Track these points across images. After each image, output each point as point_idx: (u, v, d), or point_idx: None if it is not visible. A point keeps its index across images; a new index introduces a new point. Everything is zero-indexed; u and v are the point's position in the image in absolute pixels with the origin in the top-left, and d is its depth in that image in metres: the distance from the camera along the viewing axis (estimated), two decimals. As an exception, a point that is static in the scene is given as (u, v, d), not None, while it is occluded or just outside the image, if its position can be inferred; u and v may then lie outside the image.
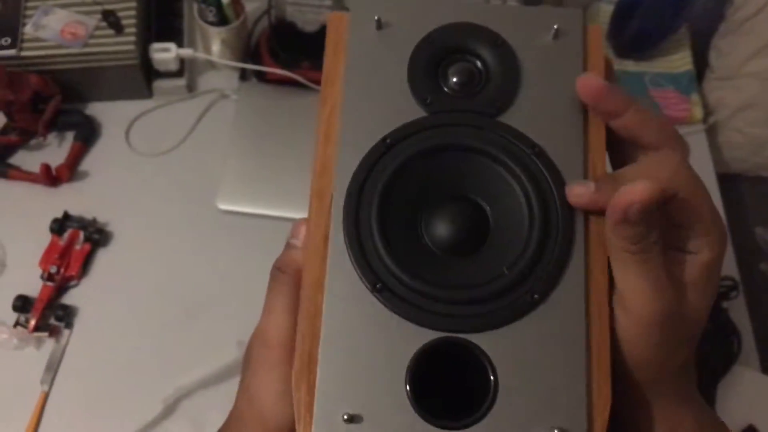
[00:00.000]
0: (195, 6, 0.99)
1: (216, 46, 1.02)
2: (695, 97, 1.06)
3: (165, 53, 0.99)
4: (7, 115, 0.94)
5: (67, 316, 0.88)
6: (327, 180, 0.39)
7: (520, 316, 0.37)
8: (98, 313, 0.89)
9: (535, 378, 0.36)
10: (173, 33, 1.03)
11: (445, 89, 0.40)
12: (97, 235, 0.92)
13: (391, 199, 0.39)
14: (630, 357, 0.37)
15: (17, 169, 0.95)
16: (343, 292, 0.37)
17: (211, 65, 1.06)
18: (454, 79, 0.40)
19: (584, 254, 0.38)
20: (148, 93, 1.02)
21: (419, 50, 0.41)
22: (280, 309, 0.40)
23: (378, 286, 0.37)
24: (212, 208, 0.95)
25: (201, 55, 1.02)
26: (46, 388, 0.84)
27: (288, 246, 0.42)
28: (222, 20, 0.98)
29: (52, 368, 0.85)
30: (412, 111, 0.40)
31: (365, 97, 0.40)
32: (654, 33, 1.05)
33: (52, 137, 0.99)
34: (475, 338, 0.36)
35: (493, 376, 0.36)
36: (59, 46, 0.94)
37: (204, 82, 1.05)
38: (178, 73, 1.02)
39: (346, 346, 0.37)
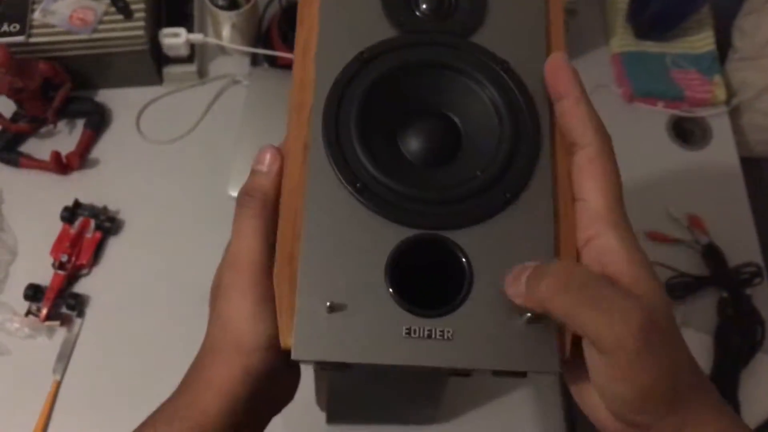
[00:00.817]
0: (205, -10, 0.98)
1: (226, 31, 1.00)
2: (718, 78, 1.03)
3: (175, 38, 0.97)
4: (17, 102, 0.94)
5: (79, 304, 0.87)
6: (306, 94, 0.41)
7: (494, 214, 0.39)
8: (110, 302, 0.89)
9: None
10: (183, 18, 1.01)
11: (417, 14, 0.43)
12: (108, 224, 0.91)
13: (369, 111, 0.40)
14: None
15: (28, 156, 0.94)
16: (322, 193, 0.39)
17: (222, 50, 1.04)
18: (425, 6, 0.43)
19: (550, 158, 0.40)
20: (158, 79, 1.01)
21: None
22: (249, 232, 0.42)
23: (358, 185, 0.39)
24: (224, 195, 0.93)
25: (211, 40, 1.01)
26: (58, 377, 0.84)
27: (254, 172, 0.43)
28: (232, 4, 0.97)
29: (64, 357, 0.85)
30: (386, 31, 0.42)
31: (341, 18, 0.42)
32: (675, 13, 1.02)
33: (62, 125, 0.98)
34: (451, 234, 0.39)
35: (468, 269, 0.38)
36: (68, 32, 0.92)
37: (215, 68, 1.04)
38: (188, 59, 1.01)
39: (327, 243, 0.38)
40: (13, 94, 0.91)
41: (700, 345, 0.88)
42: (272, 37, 1.02)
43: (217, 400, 0.41)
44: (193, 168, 0.97)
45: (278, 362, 0.41)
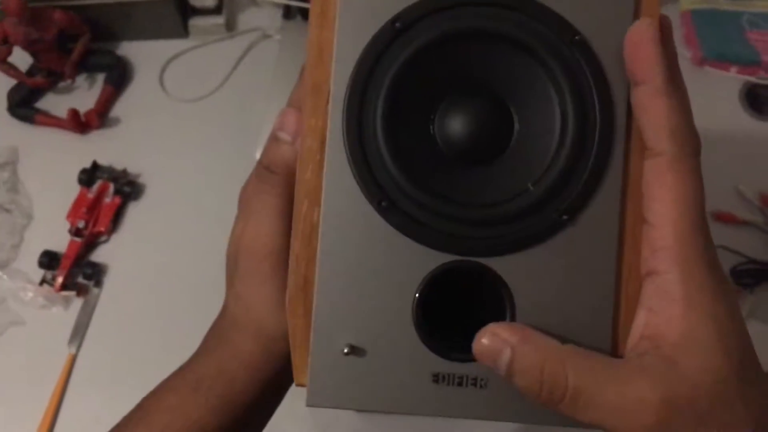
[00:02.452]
0: (234, -66, 0.90)
1: (257, -20, 0.93)
2: (800, 41, 0.93)
3: (202, -13, 0.90)
4: (33, 54, 0.88)
5: (96, 274, 0.82)
6: (324, 72, 0.34)
7: (545, 239, 0.33)
8: (129, 272, 0.84)
9: (557, 310, 0.33)
10: (211, -35, 0.94)
11: None
12: (128, 188, 0.85)
13: (401, 96, 0.33)
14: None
15: (44, 113, 0.89)
16: (342, 208, 0.33)
17: (253, 1, 0.97)
18: None
19: (623, 165, 0.33)
20: (183, 32, 0.94)
21: None
22: (270, 214, 0.38)
23: (383, 204, 0.33)
24: (253, 159, 0.87)
25: (241, -11, 0.94)
26: (73, 350, 0.79)
27: (275, 140, 0.38)
28: (263, -50, 0.89)
29: (80, 329, 0.80)
30: None
31: None
32: (754, -34, 0.92)
33: (81, 80, 0.92)
34: (492, 262, 0.33)
35: (510, 306, 0.33)
36: (86, -21, 0.86)
37: (244, 21, 0.97)
38: (216, 10, 0.94)
39: (347, 270, 0.33)
40: (29, 45, 0.85)
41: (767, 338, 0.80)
42: (307, -12, 0.95)
43: (243, 372, 0.39)
44: (219, 129, 0.91)
45: None
